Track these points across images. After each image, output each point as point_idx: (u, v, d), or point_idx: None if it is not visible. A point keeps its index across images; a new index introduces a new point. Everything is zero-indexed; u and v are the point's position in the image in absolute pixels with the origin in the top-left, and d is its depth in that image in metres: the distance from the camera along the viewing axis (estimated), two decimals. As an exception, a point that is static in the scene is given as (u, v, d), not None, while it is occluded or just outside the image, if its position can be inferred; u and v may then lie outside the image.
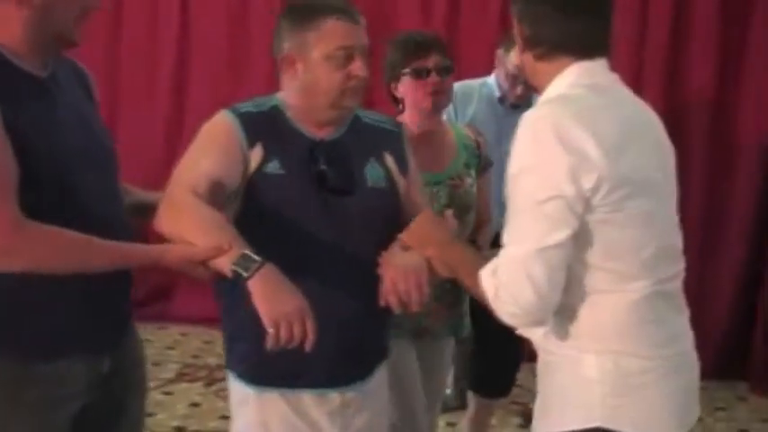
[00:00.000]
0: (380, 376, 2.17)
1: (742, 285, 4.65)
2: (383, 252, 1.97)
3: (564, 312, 1.72)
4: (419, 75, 2.57)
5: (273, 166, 1.98)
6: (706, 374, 1.94)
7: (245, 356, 2.04)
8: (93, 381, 1.84)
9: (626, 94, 1.82)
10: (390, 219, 2.07)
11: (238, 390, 2.07)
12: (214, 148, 1.96)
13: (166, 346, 4.87)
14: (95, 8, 1.82)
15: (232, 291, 1.83)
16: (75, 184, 1.76)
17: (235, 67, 5.02)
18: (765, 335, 4.57)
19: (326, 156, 2.01)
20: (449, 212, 2.34)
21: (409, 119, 2.61)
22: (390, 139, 2.17)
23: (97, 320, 1.84)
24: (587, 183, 1.62)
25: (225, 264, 1.72)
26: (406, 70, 2.58)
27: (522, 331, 1.81)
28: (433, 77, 2.57)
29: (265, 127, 2.01)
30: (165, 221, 1.84)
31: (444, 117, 2.81)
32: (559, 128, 1.63)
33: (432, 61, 2.57)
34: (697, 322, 1.85)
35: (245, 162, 1.97)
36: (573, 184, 1.62)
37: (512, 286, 1.64)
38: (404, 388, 2.52)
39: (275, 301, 1.69)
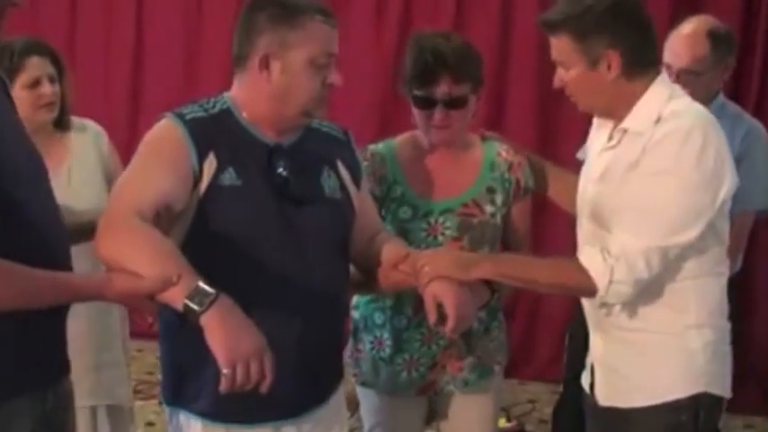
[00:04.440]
0: (338, 398, 2.04)
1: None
2: (413, 256, 1.91)
3: (671, 294, 1.92)
4: (422, 105, 2.18)
5: (229, 177, 1.80)
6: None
7: (196, 395, 1.85)
8: (38, 417, 1.67)
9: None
10: (347, 233, 1.96)
11: (184, 426, 1.90)
12: (160, 163, 1.77)
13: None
14: (12, 4, 1.62)
15: (181, 323, 1.63)
16: (22, 202, 1.59)
17: (190, 68, 4.91)
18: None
19: (286, 162, 1.85)
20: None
21: (423, 136, 2.28)
22: (341, 147, 2.02)
23: (40, 355, 1.67)
24: (723, 192, 1.85)
25: (176, 297, 1.55)
26: (410, 94, 2.20)
27: (614, 307, 1.96)
28: (439, 111, 2.16)
29: (216, 133, 1.83)
30: (104, 247, 1.65)
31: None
32: (707, 139, 1.82)
33: (439, 91, 2.14)
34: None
35: (196, 176, 1.78)
36: (709, 193, 1.84)
37: (632, 273, 1.83)
38: None
39: (231, 340, 1.52)
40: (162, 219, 1.71)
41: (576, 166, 2.31)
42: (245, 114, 1.87)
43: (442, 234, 2.22)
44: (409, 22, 4.56)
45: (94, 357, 2.72)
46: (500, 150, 2.29)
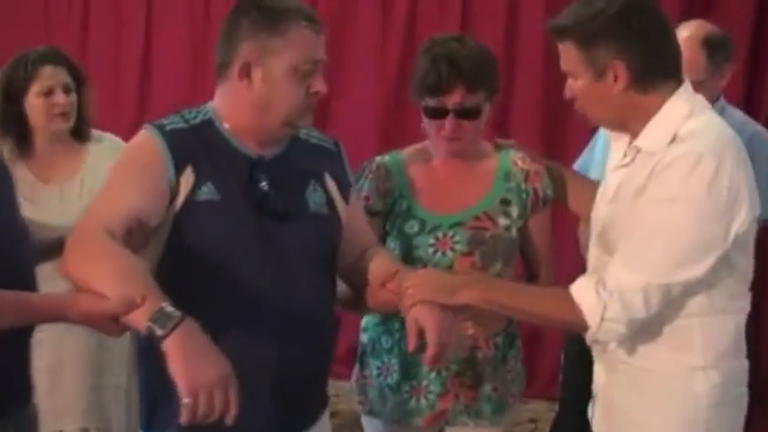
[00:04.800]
0: (322, 425, 1.95)
1: None
2: (401, 275, 1.79)
3: (677, 331, 1.74)
4: (433, 115, 2.07)
5: (207, 192, 1.73)
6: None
7: (168, 422, 1.73)
8: None
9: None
10: (332, 250, 1.88)
11: None
12: (134, 177, 1.72)
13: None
14: None
15: (151, 346, 1.54)
16: None
17: (197, 76, 4.91)
18: None
19: (268, 175, 1.78)
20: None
21: (433, 147, 2.18)
22: (330, 159, 1.93)
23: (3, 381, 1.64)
24: (738, 226, 1.67)
25: (139, 320, 1.48)
26: (422, 103, 2.08)
27: (608, 344, 1.80)
28: (450, 121, 2.04)
29: (196, 145, 1.76)
30: (71, 265, 1.59)
31: None
32: (722, 165, 1.64)
33: (452, 100, 2.03)
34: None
35: (173, 191, 1.72)
36: (721, 225, 1.66)
37: (627, 311, 1.67)
38: None
39: (194, 366, 1.44)
40: (135, 235, 1.65)
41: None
42: (227, 125, 1.81)
43: (452, 249, 2.09)
44: (414, 28, 4.53)
45: (94, 379, 2.67)
46: (515, 159, 2.16)
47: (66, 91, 2.62)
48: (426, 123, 2.10)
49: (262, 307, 1.74)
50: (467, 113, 2.04)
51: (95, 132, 2.73)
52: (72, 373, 2.63)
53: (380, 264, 1.89)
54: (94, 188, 2.62)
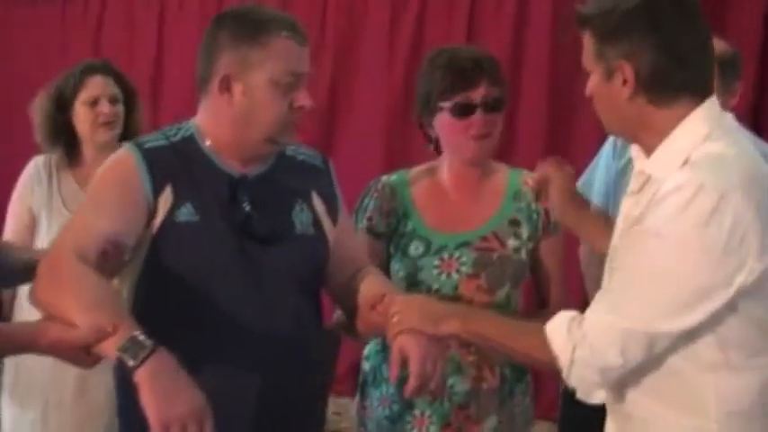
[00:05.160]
0: None
1: None
2: (389, 299, 1.70)
3: (685, 389, 1.50)
4: (461, 112, 1.97)
5: (186, 213, 1.67)
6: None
7: None
8: None
9: (744, 134, 1.67)
10: (318, 271, 1.81)
11: None
12: (110, 198, 1.66)
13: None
14: None
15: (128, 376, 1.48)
16: None
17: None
18: None
19: (251, 195, 1.71)
20: None
21: (448, 166, 2.06)
22: (318, 177, 1.86)
23: None
24: (745, 273, 1.41)
25: (110, 349, 1.42)
26: (445, 104, 1.97)
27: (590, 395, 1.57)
28: (479, 116, 1.95)
29: (176, 163, 1.70)
30: (41, 292, 1.53)
31: None
32: (725, 200, 1.39)
33: (479, 93, 1.95)
34: None
35: (150, 212, 1.66)
36: (721, 270, 1.40)
37: (597, 358, 1.47)
38: None
39: (166, 399, 1.38)
40: (111, 257, 1.60)
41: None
42: (208, 142, 1.74)
43: (457, 271, 1.99)
44: (422, 42, 4.51)
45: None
46: (527, 178, 2.05)
47: (113, 101, 2.66)
48: (449, 128, 1.99)
49: (243, 332, 1.68)
50: (494, 105, 1.98)
51: None
52: (94, 410, 2.59)
53: (370, 286, 1.81)
54: None
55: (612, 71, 1.52)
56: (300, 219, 1.78)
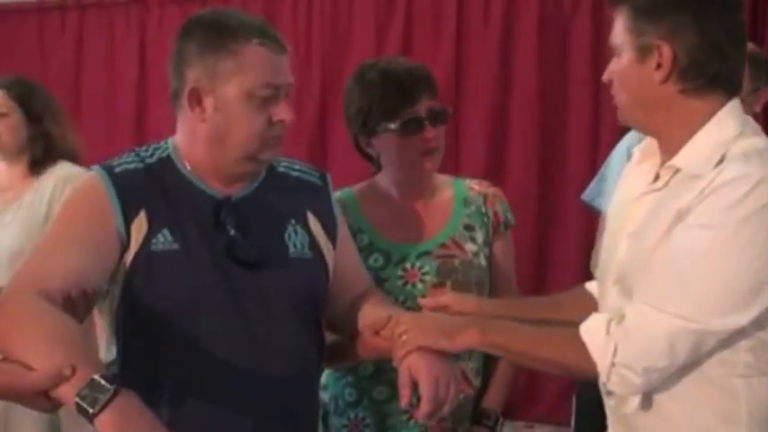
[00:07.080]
0: None
1: None
2: (395, 319, 1.59)
3: (716, 394, 1.44)
4: (409, 129, 1.87)
5: (163, 240, 1.53)
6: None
7: None
8: None
9: None
10: (317, 298, 1.66)
11: None
12: (77, 230, 1.52)
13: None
14: None
15: None
16: None
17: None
18: None
19: (236, 218, 1.57)
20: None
21: (393, 181, 1.99)
22: (314, 195, 1.72)
23: None
24: None
25: (68, 394, 1.24)
26: (391, 125, 1.87)
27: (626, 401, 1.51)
28: (428, 131, 1.87)
29: (151, 187, 1.56)
30: None
31: None
32: None
33: (423, 107, 1.87)
34: None
35: (123, 241, 1.52)
36: None
37: (644, 357, 1.39)
38: None
39: None
40: (76, 302, 1.44)
41: (579, 210, 2.16)
42: (186, 163, 1.61)
43: (422, 281, 1.91)
44: (409, 53, 4.48)
45: None
46: (471, 185, 2.03)
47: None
48: (396, 145, 1.89)
49: (231, 369, 1.54)
50: (439, 117, 1.90)
51: (65, 165, 2.70)
52: None
53: (371, 310, 1.69)
54: (27, 216, 2.61)
55: (647, 51, 1.44)
56: (294, 241, 1.64)
